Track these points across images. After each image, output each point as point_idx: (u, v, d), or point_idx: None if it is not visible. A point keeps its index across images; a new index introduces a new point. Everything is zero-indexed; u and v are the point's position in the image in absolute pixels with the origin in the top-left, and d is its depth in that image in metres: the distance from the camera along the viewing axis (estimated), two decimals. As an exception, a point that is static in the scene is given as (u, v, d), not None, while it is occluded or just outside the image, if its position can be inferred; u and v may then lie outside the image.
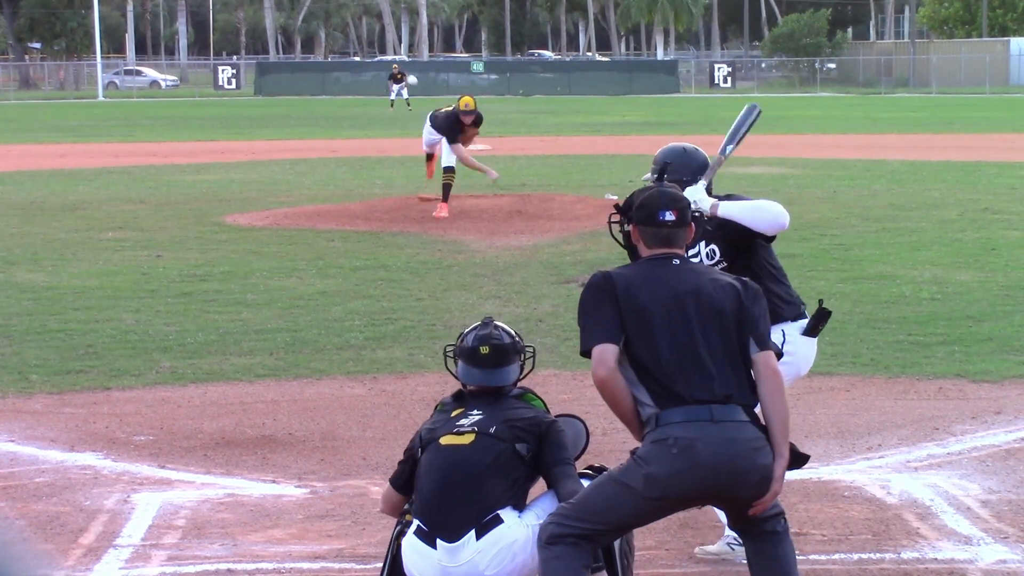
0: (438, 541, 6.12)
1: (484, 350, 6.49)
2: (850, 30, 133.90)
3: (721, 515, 7.18)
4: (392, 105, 65.69)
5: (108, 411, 10.43)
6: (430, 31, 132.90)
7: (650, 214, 5.95)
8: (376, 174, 30.49)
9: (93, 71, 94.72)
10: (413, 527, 6.22)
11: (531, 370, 6.66)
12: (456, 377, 6.60)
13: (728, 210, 7.20)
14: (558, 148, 38.02)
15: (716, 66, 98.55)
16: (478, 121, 22.16)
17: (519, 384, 6.61)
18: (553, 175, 29.81)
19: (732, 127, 7.73)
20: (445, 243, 19.00)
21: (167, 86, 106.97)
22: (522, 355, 6.60)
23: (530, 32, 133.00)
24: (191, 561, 7.36)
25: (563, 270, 16.60)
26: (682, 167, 7.43)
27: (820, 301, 7.52)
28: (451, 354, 6.63)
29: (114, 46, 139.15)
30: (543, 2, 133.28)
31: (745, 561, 6.20)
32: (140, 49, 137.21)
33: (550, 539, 5.72)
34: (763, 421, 5.76)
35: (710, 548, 7.42)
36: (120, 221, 21.90)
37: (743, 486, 5.65)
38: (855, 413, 10.25)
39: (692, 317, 5.74)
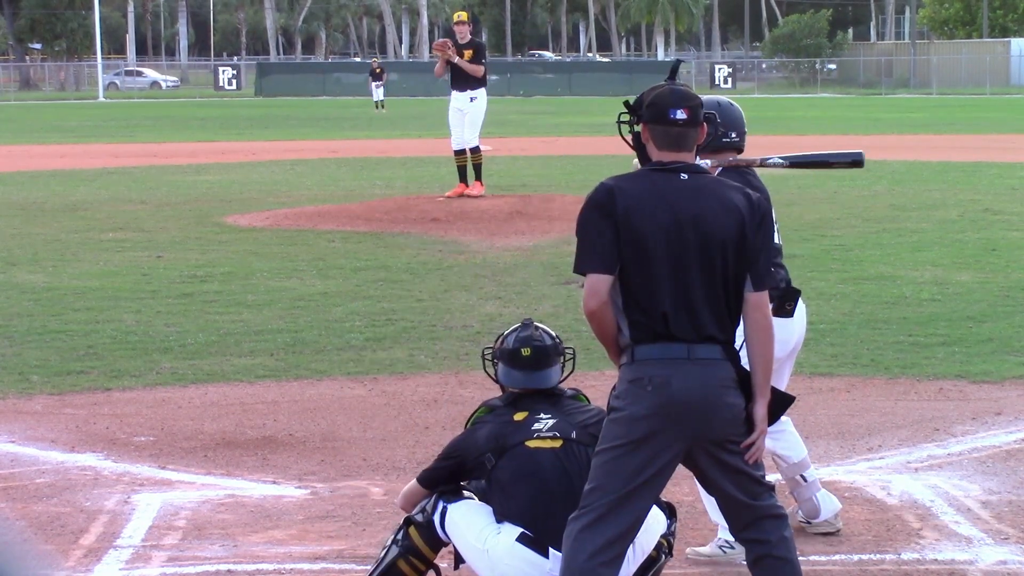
0: (551, 550, 6.06)
1: (526, 352, 6.46)
2: (850, 31, 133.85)
3: (718, 518, 7.19)
4: (376, 106, 64.99)
5: (108, 412, 10.43)
6: (431, 32, 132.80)
7: (660, 112, 5.75)
8: (377, 175, 30.48)
9: (94, 72, 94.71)
10: (513, 533, 6.14)
11: (571, 371, 6.63)
12: (496, 380, 6.57)
13: None
14: (559, 149, 38.01)
15: (716, 67, 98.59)
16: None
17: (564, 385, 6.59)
18: (554, 176, 29.80)
19: (816, 155, 7.57)
20: (445, 244, 19.00)
21: (167, 87, 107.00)
22: (563, 356, 6.58)
23: (531, 33, 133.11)
24: (191, 562, 7.37)
25: (563, 271, 16.59)
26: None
27: (787, 281, 7.44)
28: (489, 357, 6.61)
29: (115, 47, 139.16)
30: (544, 3, 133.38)
31: (741, 562, 6.19)
32: (141, 50, 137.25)
33: (577, 536, 5.66)
34: (747, 362, 5.72)
35: (702, 550, 7.40)
36: (121, 222, 21.89)
37: (715, 424, 5.61)
38: (855, 414, 10.25)
39: (690, 248, 5.63)
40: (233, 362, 12.04)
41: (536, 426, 6.28)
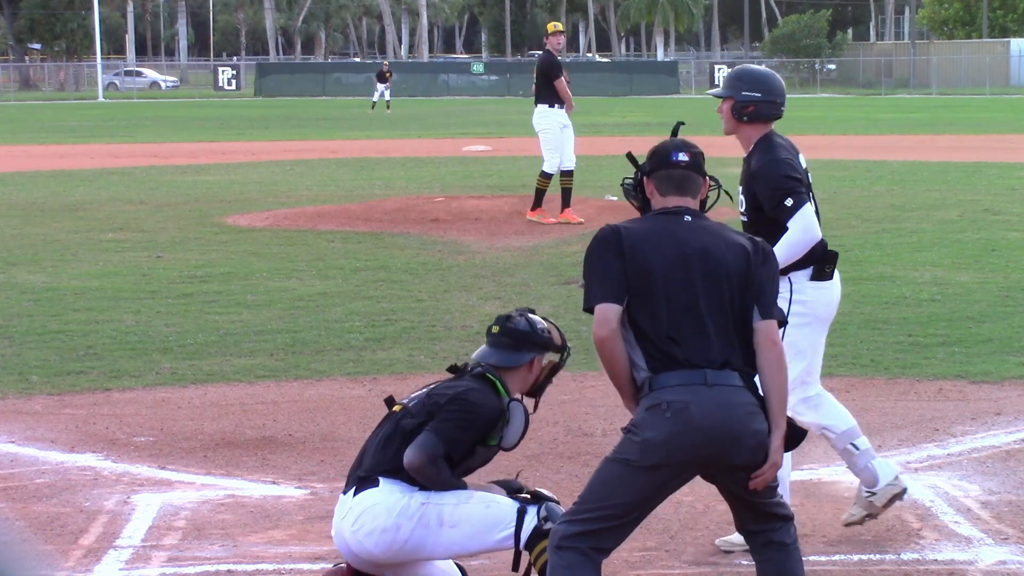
0: (346, 491, 6.43)
1: (495, 329, 6.58)
2: (850, 31, 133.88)
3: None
4: (373, 107, 65.09)
5: (108, 412, 10.44)
6: (430, 32, 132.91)
7: (663, 157, 5.90)
8: (376, 175, 30.49)
9: (93, 72, 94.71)
10: None
11: (559, 369, 6.62)
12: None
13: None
14: (558, 149, 37.96)
15: (716, 67, 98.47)
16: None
17: (535, 384, 6.58)
18: (554, 176, 29.76)
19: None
20: (445, 244, 19.00)
21: (167, 87, 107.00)
22: (542, 348, 6.57)
23: (530, 33, 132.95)
24: (191, 562, 7.37)
25: (563, 271, 16.59)
26: (771, 90, 7.48)
27: (823, 243, 7.53)
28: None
29: (114, 47, 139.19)
30: (543, 3, 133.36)
31: (739, 562, 6.20)
32: (140, 50, 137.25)
33: (561, 541, 5.66)
34: (761, 392, 5.71)
35: (734, 539, 7.35)
36: (120, 222, 21.90)
37: (738, 451, 5.60)
38: (855, 414, 10.12)
39: (696, 279, 5.68)
40: (233, 362, 12.05)
41: (415, 395, 6.51)
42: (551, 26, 20.83)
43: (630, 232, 5.77)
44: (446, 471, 6.25)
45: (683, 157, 5.88)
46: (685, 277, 5.68)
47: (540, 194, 20.82)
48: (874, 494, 7.64)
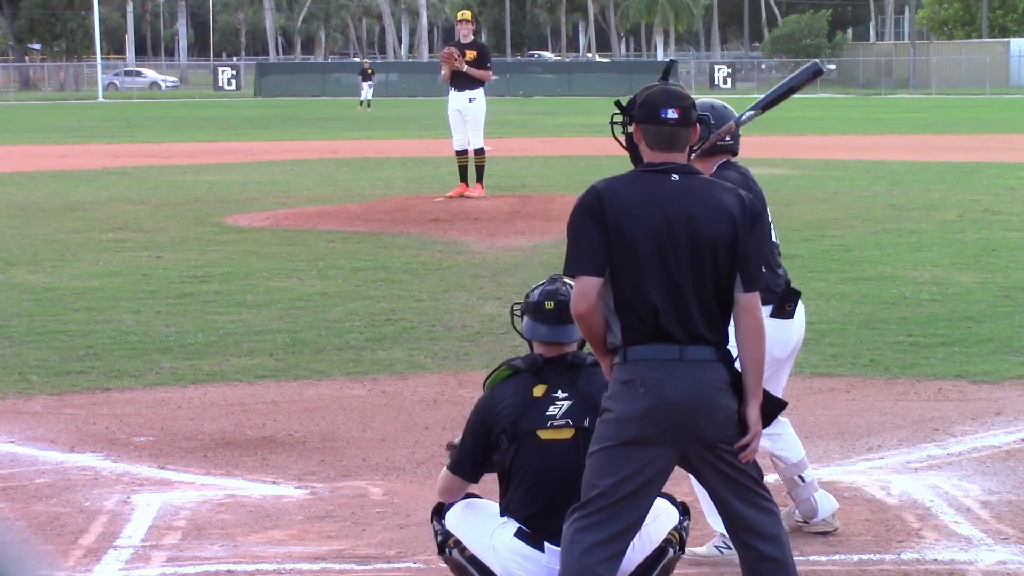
0: (546, 545, 6.08)
1: (549, 305, 6.42)
2: (850, 31, 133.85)
3: (717, 525, 7.20)
4: (360, 105, 64.94)
5: (108, 412, 10.43)
6: (430, 32, 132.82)
7: (652, 111, 5.75)
8: (376, 175, 30.48)
9: (93, 72, 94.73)
10: (512, 529, 6.16)
11: None
12: (521, 334, 6.51)
13: None
14: (558, 149, 38.00)
15: (716, 67, 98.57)
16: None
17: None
18: (553, 176, 29.79)
19: (780, 86, 7.49)
20: (445, 244, 18.99)
21: (167, 87, 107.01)
22: None
23: (530, 33, 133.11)
24: (191, 562, 7.37)
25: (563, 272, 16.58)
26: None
27: (787, 283, 7.44)
28: (518, 312, 6.56)
29: (114, 47, 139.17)
30: (543, 3, 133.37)
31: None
32: (140, 50, 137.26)
33: (573, 536, 5.64)
34: (738, 365, 5.70)
35: (698, 550, 7.41)
36: (120, 222, 21.89)
37: (709, 425, 5.60)
38: (855, 414, 10.24)
39: (681, 249, 5.62)
40: (233, 362, 12.04)
41: (551, 411, 6.16)
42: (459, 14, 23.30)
43: (614, 197, 5.68)
44: None
45: (672, 115, 5.72)
46: (669, 247, 5.62)
47: (461, 170, 23.38)
48: (807, 523, 7.71)
